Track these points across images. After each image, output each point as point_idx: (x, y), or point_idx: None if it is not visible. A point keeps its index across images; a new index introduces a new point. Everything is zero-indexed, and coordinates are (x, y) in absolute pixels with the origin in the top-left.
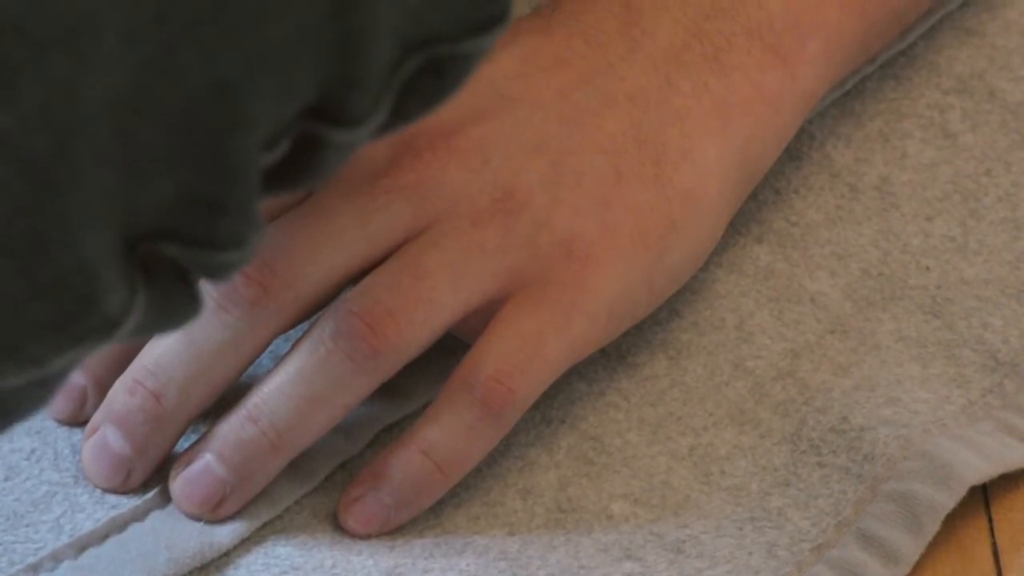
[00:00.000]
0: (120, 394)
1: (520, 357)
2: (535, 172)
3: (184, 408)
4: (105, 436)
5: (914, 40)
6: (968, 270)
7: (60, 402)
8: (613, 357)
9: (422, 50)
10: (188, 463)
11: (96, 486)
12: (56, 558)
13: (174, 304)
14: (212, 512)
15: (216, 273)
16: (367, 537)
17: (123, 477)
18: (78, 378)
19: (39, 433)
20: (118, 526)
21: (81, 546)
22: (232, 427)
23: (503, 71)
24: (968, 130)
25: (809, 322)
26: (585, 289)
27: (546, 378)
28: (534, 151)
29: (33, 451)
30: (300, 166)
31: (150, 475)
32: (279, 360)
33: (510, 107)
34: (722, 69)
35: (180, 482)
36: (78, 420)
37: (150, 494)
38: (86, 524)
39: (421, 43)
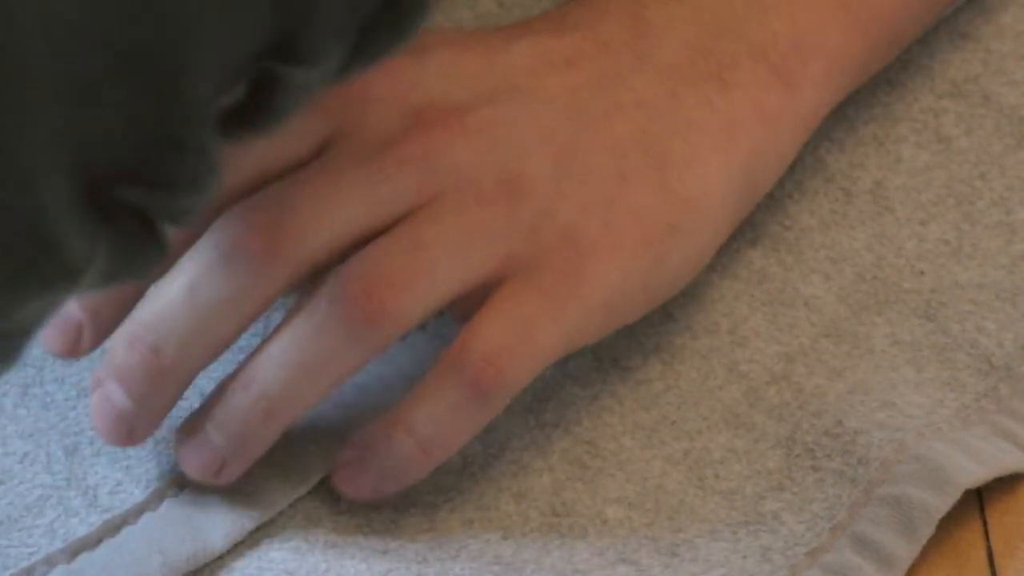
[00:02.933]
0: (120, 348)
1: (512, 340)
2: (542, 162)
3: (184, 364)
4: (108, 391)
5: (908, 45)
6: (962, 274)
7: (55, 336)
8: (607, 361)
9: None
10: (189, 432)
11: (105, 441)
12: (50, 562)
13: (138, 251)
14: (215, 478)
15: (177, 217)
16: (368, 523)
17: (126, 431)
18: (74, 311)
19: (32, 437)
20: (111, 529)
21: (75, 550)
22: (225, 394)
23: (515, 64)
24: (962, 134)
25: (803, 326)
26: (583, 281)
27: (537, 364)
28: (542, 142)
29: (26, 455)
30: (258, 109)
31: (154, 429)
32: (276, 325)
33: (522, 97)
34: (725, 87)
35: (182, 451)
36: (74, 355)
37: (144, 496)
38: (79, 528)
39: None
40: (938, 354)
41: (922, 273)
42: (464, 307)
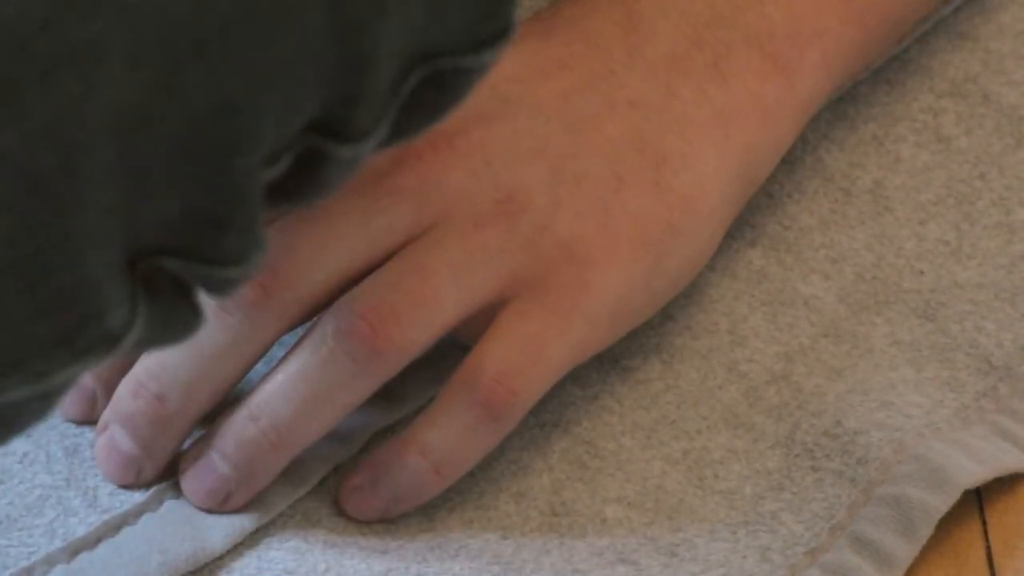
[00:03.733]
0: (125, 396)
1: (522, 359)
2: (536, 175)
3: (188, 410)
4: (113, 436)
5: (908, 44)
6: (962, 274)
7: (71, 403)
8: (607, 361)
9: (425, 65)
10: (195, 459)
11: (111, 482)
12: (49, 562)
13: (176, 318)
14: (221, 506)
15: (219, 288)
16: (368, 523)
17: (134, 475)
18: (87, 380)
19: (32, 437)
20: (111, 529)
21: (74, 550)
22: (234, 425)
23: (504, 74)
24: (962, 134)
25: (803, 326)
26: (586, 292)
27: (547, 381)
28: (535, 154)
29: (26, 454)
30: (303, 180)
31: (161, 472)
32: (281, 358)
33: (511, 110)
34: (722, 77)
35: (187, 478)
36: (90, 420)
37: (144, 497)
38: (79, 528)
39: (424, 58)
40: (938, 354)
41: (922, 273)
42: (470, 329)
